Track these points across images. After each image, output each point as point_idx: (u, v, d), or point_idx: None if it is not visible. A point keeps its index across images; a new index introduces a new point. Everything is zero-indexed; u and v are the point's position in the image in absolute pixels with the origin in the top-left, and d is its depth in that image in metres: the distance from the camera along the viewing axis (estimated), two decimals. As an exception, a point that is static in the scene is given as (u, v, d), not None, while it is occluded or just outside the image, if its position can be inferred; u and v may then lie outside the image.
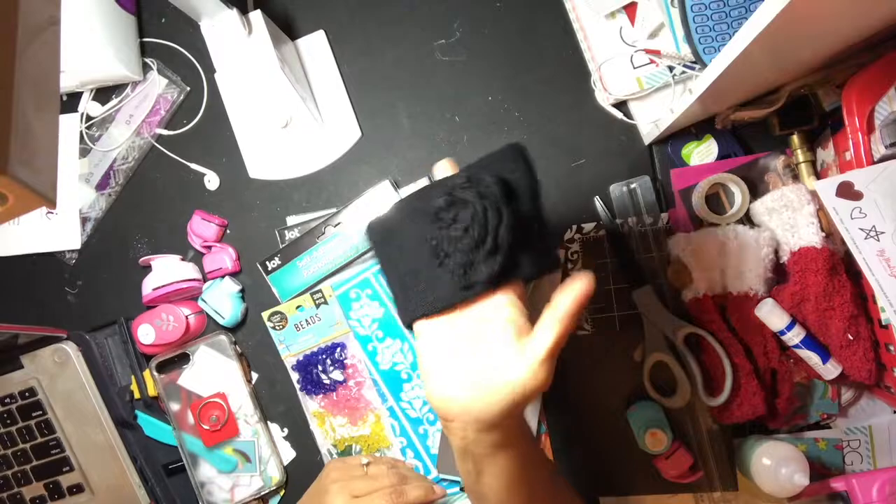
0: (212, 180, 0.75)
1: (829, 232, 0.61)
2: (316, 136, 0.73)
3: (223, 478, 0.73)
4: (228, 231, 0.75)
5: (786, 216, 0.62)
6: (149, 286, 0.72)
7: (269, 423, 0.75)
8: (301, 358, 0.73)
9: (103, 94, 0.77)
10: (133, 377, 0.74)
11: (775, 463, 0.60)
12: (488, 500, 0.49)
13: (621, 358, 0.69)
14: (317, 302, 0.72)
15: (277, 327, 0.73)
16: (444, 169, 0.49)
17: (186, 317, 0.71)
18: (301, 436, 0.75)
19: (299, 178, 0.74)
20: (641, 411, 0.67)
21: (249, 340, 0.75)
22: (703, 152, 0.67)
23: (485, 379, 0.42)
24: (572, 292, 0.43)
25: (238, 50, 0.65)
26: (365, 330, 0.72)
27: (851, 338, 0.60)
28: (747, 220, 0.66)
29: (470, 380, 0.42)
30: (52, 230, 0.76)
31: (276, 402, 0.75)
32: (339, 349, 0.72)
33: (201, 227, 0.73)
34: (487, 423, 0.43)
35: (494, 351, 0.42)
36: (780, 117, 0.64)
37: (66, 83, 0.74)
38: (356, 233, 0.72)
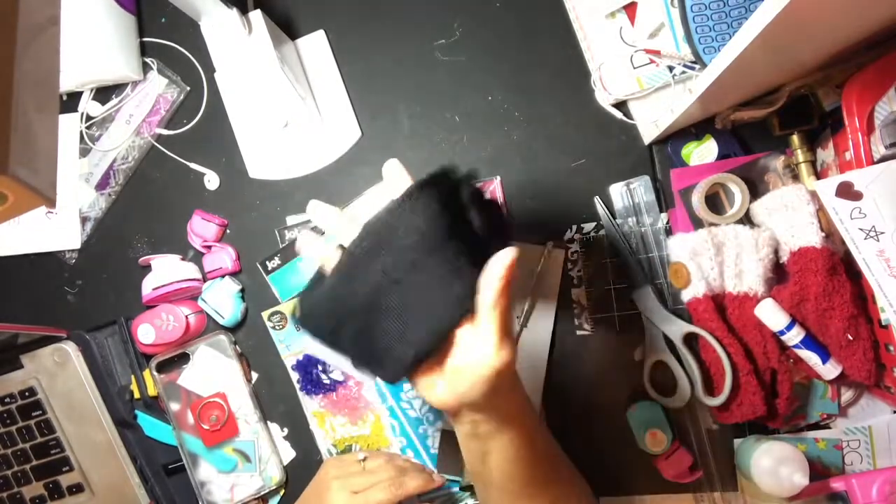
0: (212, 180, 0.75)
1: (829, 232, 0.61)
2: (316, 136, 0.73)
3: (223, 477, 0.73)
4: (228, 231, 0.75)
5: (785, 216, 0.62)
6: (149, 286, 0.72)
7: (269, 422, 0.75)
8: (301, 358, 0.73)
9: (103, 93, 0.77)
10: (133, 377, 0.74)
11: (775, 463, 0.60)
12: (493, 479, 0.53)
13: (621, 358, 0.69)
14: (317, 302, 0.72)
15: (277, 327, 0.73)
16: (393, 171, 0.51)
17: (186, 316, 0.71)
18: (301, 436, 0.75)
19: (299, 178, 0.74)
20: (641, 411, 0.67)
21: (249, 340, 0.75)
22: (702, 152, 0.67)
23: (459, 369, 0.46)
24: (495, 274, 0.45)
25: (238, 50, 0.65)
26: (365, 330, 0.72)
27: (851, 338, 0.60)
28: (747, 220, 0.66)
29: (448, 375, 0.47)
30: (52, 230, 0.77)
31: (276, 402, 0.75)
32: (339, 349, 0.72)
33: (201, 227, 0.73)
34: (478, 405, 0.47)
35: (458, 345, 0.46)
36: (780, 117, 0.64)
37: (66, 83, 0.74)
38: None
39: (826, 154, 0.63)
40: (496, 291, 0.45)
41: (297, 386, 0.74)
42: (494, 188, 0.71)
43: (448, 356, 0.47)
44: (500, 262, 0.45)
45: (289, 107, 0.69)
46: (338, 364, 0.73)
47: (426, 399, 0.48)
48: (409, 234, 0.45)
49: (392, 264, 0.45)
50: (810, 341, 0.62)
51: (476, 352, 0.45)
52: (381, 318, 0.46)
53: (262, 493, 0.74)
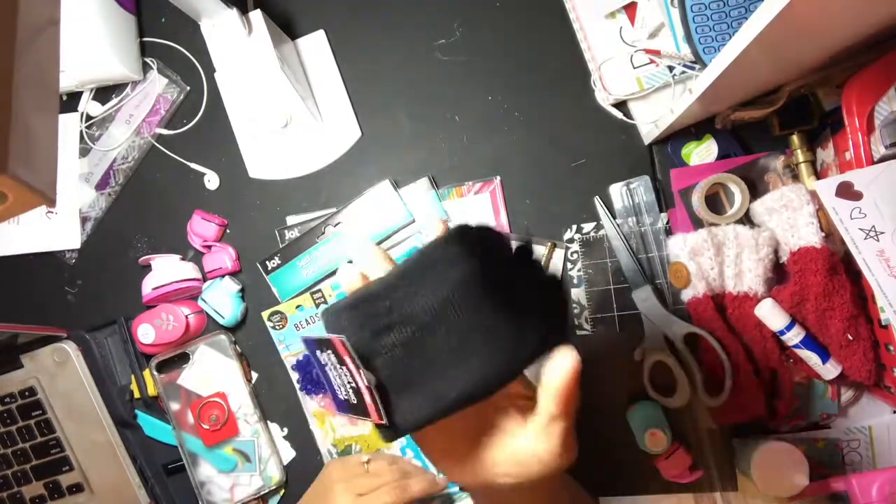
0: (212, 180, 0.75)
1: (829, 232, 0.61)
2: (316, 136, 0.73)
3: (223, 477, 0.73)
4: (228, 231, 0.75)
5: (785, 216, 0.62)
6: (149, 286, 0.72)
7: (269, 422, 0.75)
8: (301, 357, 0.73)
9: (103, 93, 0.77)
10: (133, 377, 0.74)
11: (775, 463, 0.60)
12: None
13: (621, 358, 0.69)
14: (317, 302, 0.72)
15: (277, 327, 0.73)
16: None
17: (186, 316, 0.71)
18: (301, 436, 0.75)
19: (299, 178, 0.74)
20: (641, 411, 0.67)
21: (249, 340, 0.75)
22: (702, 152, 0.67)
23: (496, 455, 0.40)
24: (560, 381, 0.38)
25: (238, 50, 0.65)
26: (365, 330, 0.72)
27: (851, 338, 0.60)
28: (747, 220, 0.66)
29: (482, 456, 0.41)
30: (52, 230, 0.77)
31: (276, 401, 0.75)
32: (338, 349, 0.72)
33: (201, 227, 0.73)
34: (505, 497, 0.42)
35: (502, 429, 0.41)
36: (780, 117, 0.64)
37: (66, 83, 0.74)
38: (356, 232, 0.72)
39: (826, 154, 0.63)
40: (561, 403, 0.38)
41: (297, 386, 0.74)
42: (495, 188, 0.71)
43: (485, 435, 0.41)
44: (564, 368, 0.38)
45: (289, 107, 0.69)
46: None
47: (440, 467, 0.43)
48: (467, 272, 0.37)
49: (455, 295, 0.37)
50: (810, 341, 0.62)
51: (525, 450, 0.39)
52: (431, 342, 0.38)
53: (262, 493, 0.74)
